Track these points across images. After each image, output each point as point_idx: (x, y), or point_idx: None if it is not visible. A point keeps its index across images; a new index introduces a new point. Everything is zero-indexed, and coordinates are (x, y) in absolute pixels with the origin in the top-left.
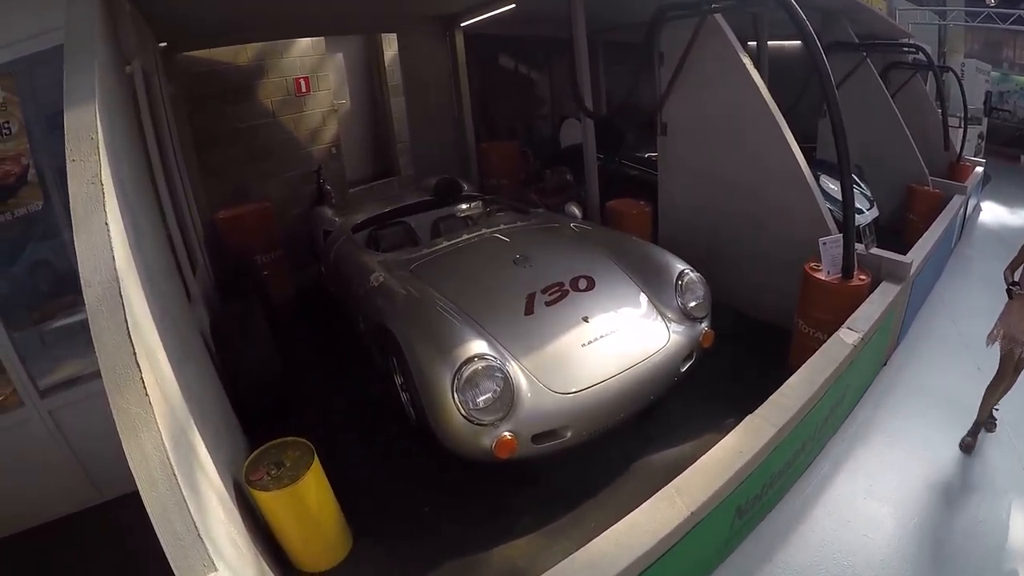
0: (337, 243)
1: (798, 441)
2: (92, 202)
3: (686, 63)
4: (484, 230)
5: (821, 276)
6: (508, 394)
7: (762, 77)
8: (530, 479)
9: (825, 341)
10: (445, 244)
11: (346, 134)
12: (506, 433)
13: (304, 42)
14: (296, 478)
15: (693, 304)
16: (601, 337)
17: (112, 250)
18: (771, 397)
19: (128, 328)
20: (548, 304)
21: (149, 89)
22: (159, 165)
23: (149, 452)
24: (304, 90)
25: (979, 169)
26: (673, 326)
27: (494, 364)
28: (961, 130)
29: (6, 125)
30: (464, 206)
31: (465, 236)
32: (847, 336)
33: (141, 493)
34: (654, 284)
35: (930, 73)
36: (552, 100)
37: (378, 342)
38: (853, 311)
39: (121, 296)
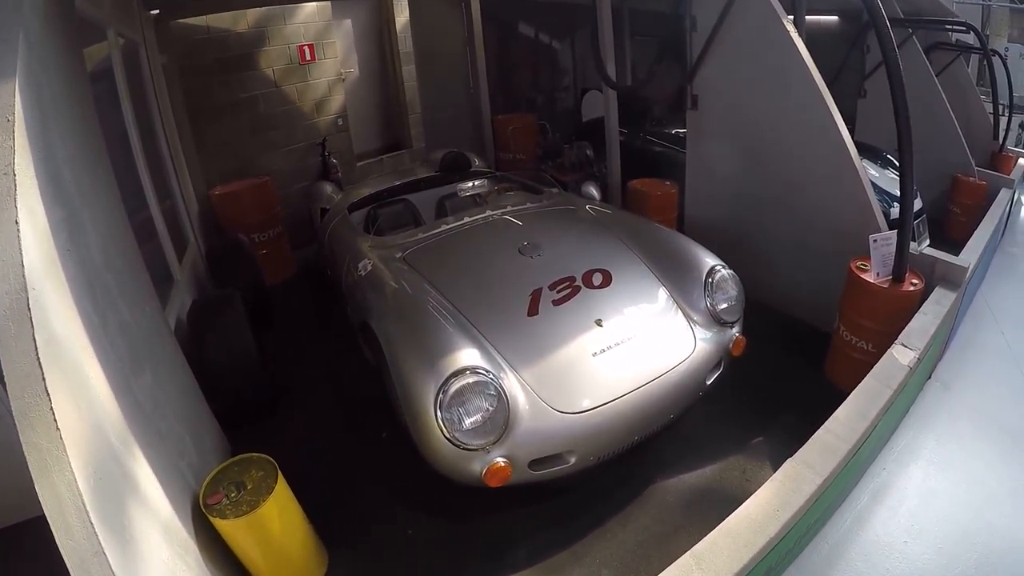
0: (332, 222)
1: (844, 485)
2: (3, 197)
3: (721, 29)
4: (490, 212)
5: (869, 278)
6: (502, 414)
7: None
8: (526, 500)
9: (868, 351)
10: (444, 227)
11: (354, 104)
12: (499, 459)
13: (308, 7)
14: (256, 504)
15: (724, 306)
16: (616, 345)
17: (22, 253)
18: (815, 435)
19: (37, 350)
20: (556, 303)
21: (135, 59)
22: (138, 142)
23: (63, 494)
24: (308, 58)
25: (1023, 161)
26: (700, 331)
27: (486, 379)
28: (1005, 119)
29: None
30: (470, 183)
31: (468, 218)
32: (902, 355)
33: (56, 540)
34: (679, 281)
35: (974, 56)
36: (574, 71)
37: (365, 339)
38: (902, 320)
39: (30, 310)
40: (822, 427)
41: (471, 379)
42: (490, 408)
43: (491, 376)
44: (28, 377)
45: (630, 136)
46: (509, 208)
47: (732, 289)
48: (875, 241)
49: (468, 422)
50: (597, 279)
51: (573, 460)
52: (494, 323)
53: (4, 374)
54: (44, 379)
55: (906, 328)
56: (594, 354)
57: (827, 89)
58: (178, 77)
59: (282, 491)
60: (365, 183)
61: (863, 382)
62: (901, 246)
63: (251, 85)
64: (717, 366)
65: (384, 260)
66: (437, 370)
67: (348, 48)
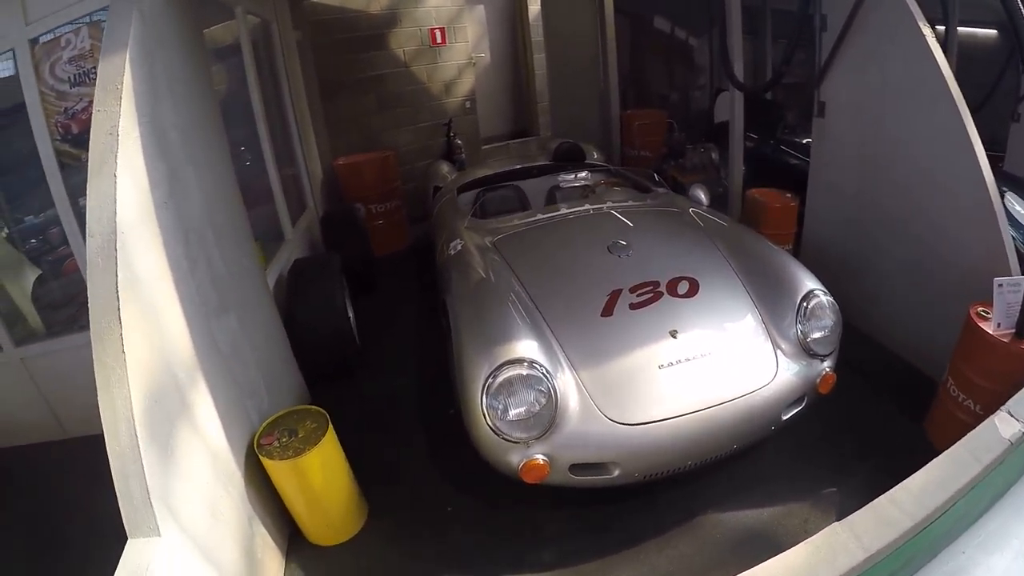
0: (441, 201)
1: (903, 563)
2: (106, 153)
3: (851, 31)
4: (589, 205)
5: (988, 328)
6: (549, 412)
7: (950, 65)
8: (571, 499)
9: (976, 413)
10: (540, 217)
11: (483, 89)
12: (539, 456)
13: None
14: (302, 451)
15: (817, 336)
16: (687, 360)
17: (116, 203)
18: (875, 502)
19: (118, 282)
20: (633, 307)
21: (267, 36)
22: (261, 112)
23: (118, 407)
24: (439, 41)
25: None
26: (785, 360)
27: (538, 374)
28: None
29: (93, 70)
30: (572, 175)
31: (565, 210)
32: (1006, 425)
33: (107, 444)
34: (772, 302)
35: None
36: (711, 70)
37: (443, 315)
38: (1020, 384)
39: (116, 251)
40: (886, 495)
41: (523, 371)
42: (537, 405)
43: (544, 371)
44: (106, 306)
45: (760, 143)
46: (610, 203)
47: (828, 319)
48: (1000, 286)
49: (512, 413)
50: (683, 288)
51: (617, 473)
52: (565, 319)
53: (89, 298)
54: (119, 309)
55: (1019, 394)
56: (661, 366)
57: (967, 108)
58: (311, 53)
59: (329, 444)
60: (482, 166)
61: (950, 450)
62: None
63: (380, 64)
64: (798, 401)
65: (475, 242)
66: (492, 356)
67: (480, 33)
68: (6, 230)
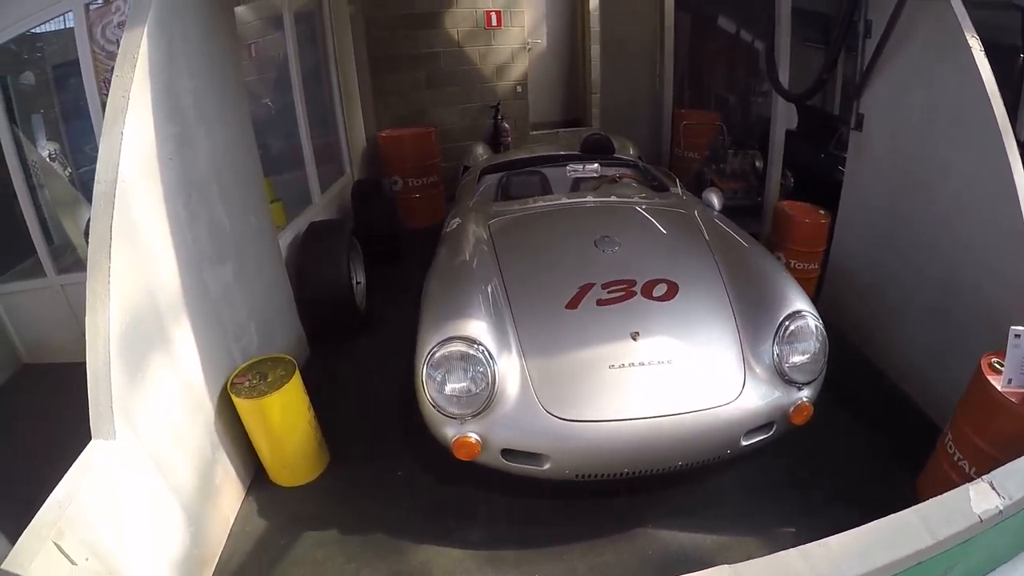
0: (464, 180)
1: None
2: (118, 114)
3: (892, 38)
4: (593, 197)
5: (998, 383)
6: (485, 393)
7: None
8: (513, 489)
9: (970, 476)
10: (541, 203)
11: (537, 75)
12: (472, 435)
13: None
14: (266, 393)
15: (796, 361)
16: (642, 364)
17: (120, 155)
18: (781, 554)
19: (112, 224)
20: (601, 303)
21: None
22: (299, 82)
23: (100, 327)
24: (495, 24)
25: None
26: (754, 381)
27: (479, 355)
28: None
29: None
30: (580, 165)
31: (567, 200)
32: (981, 499)
33: (87, 359)
34: (754, 317)
35: None
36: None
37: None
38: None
39: (115, 197)
40: (799, 548)
41: (465, 349)
42: (474, 384)
43: (486, 353)
44: (101, 242)
45: (811, 154)
46: (615, 197)
47: (811, 344)
48: (1017, 336)
49: (449, 388)
50: (660, 290)
51: (548, 466)
52: (529, 306)
53: (89, 238)
54: (111, 246)
55: (1011, 464)
56: (612, 366)
57: (1012, 135)
58: (363, 27)
59: (293, 390)
60: (518, 150)
61: (902, 512)
62: None
63: (433, 42)
64: (765, 428)
65: (472, 222)
66: (440, 329)
67: (538, 20)
68: (70, 170)
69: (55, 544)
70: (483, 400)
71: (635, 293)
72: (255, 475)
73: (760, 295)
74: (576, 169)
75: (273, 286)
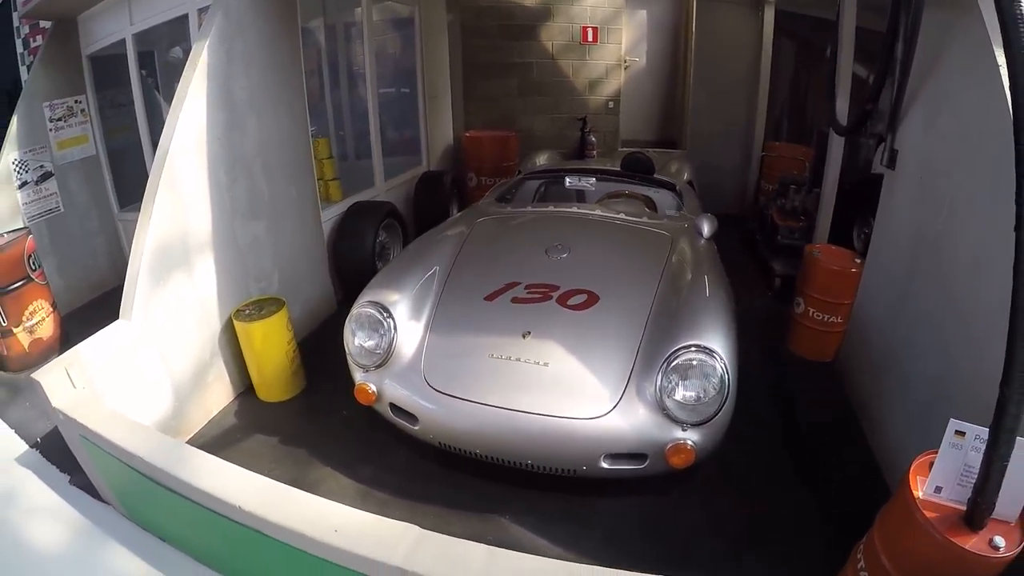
0: (508, 182)
1: None
2: (178, 104)
3: (917, 59)
4: (578, 208)
5: (919, 491)
6: (382, 352)
7: None
8: (418, 446)
9: None
10: (529, 209)
11: (632, 92)
12: (370, 385)
13: None
14: (253, 320)
15: (678, 398)
16: (518, 360)
17: (174, 134)
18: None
19: (160, 178)
20: (516, 300)
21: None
22: (372, 84)
23: (140, 246)
24: (590, 39)
25: None
26: (629, 406)
27: (382, 320)
28: None
29: None
30: (578, 178)
31: (551, 208)
32: None
33: (128, 268)
34: (656, 343)
35: None
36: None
37: None
38: None
39: (165, 161)
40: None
41: (375, 312)
42: (374, 345)
43: (389, 319)
44: (152, 191)
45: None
46: (599, 212)
47: (702, 384)
48: (960, 435)
49: (357, 341)
50: (577, 299)
51: (418, 427)
52: (457, 292)
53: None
54: (156, 195)
55: None
56: (492, 356)
57: None
58: (460, 35)
59: (275, 323)
60: (568, 164)
61: None
62: (989, 465)
63: (527, 53)
64: (636, 458)
65: (471, 215)
66: (367, 293)
67: (638, 38)
68: None
69: (66, 370)
70: (381, 357)
71: (551, 297)
72: (246, 388)
73: (673, 323)
74: (573, 181)
75: (307, 247)
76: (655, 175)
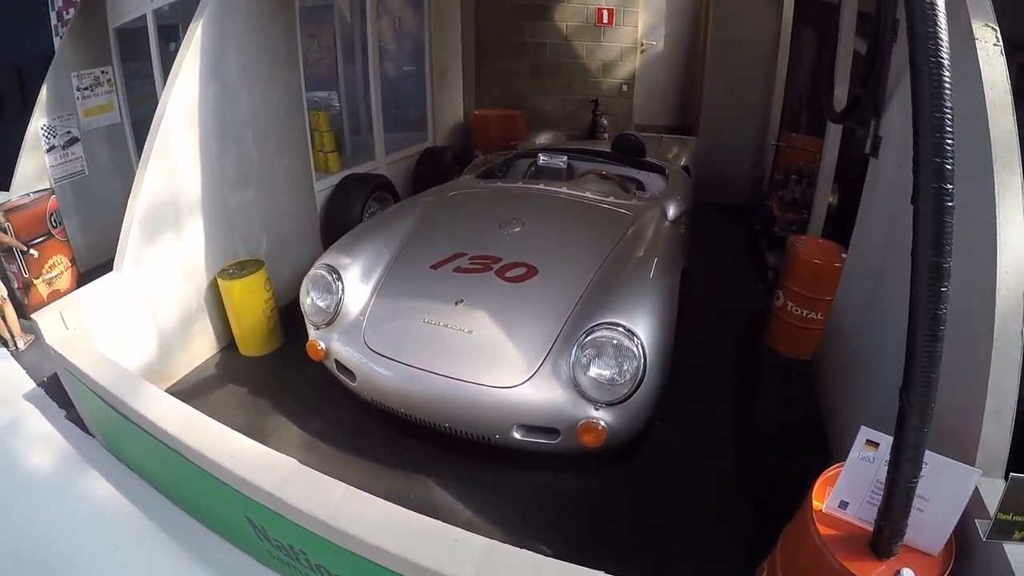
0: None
1: None
2: (173, 78)
3: (898, 39)
4: (544, 185)
5: (823, 504)
6: (330, 313)
7: None
8: (367, 406)
9: None
10: (499, 185)
11: (648, 76)
12: (319, 341)
13: None
14: (234, 278)
15: (592, 375)
16: (446, 327)
17: (168, 106)
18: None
19: (154, 145)
20: (457, 270)
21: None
22: (374, 62)
23: (134, 206)
24: (605, 21)
25: None
26: (544, 380)
27: (332, 282)
28: None
29: None
30: (551, 157)
31: (521, 185)
32: None
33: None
34: (578, 320)
35: None
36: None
37: None
38: None
39: (159, 129)
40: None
41: (326, 274)
42: (323, 304)
43: (338, 282)
44: (146, 156)
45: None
46: (566, 189)
47: (613, 365)
48: (872, 446)
49: (309, 299)
50: (516, 272)
51: (355, 384)
52: (408, 260)
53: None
54: (150, 159)
55: None
56: (425, 321)
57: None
58: (472, 14)
59: (253, 282)
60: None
61: None
62: (892, 484)
63: (540, 33)
64: (548, 432)
65: (447, 189)
66: (324, 256)
67: (656, 22)
68: None
69: (60, 313)
70: (329, 316)
71: (491, 269)
72: (229, 343)
73: (602, 300)
74: (546, 160)
75: (298, 214)
76: (646, 158)
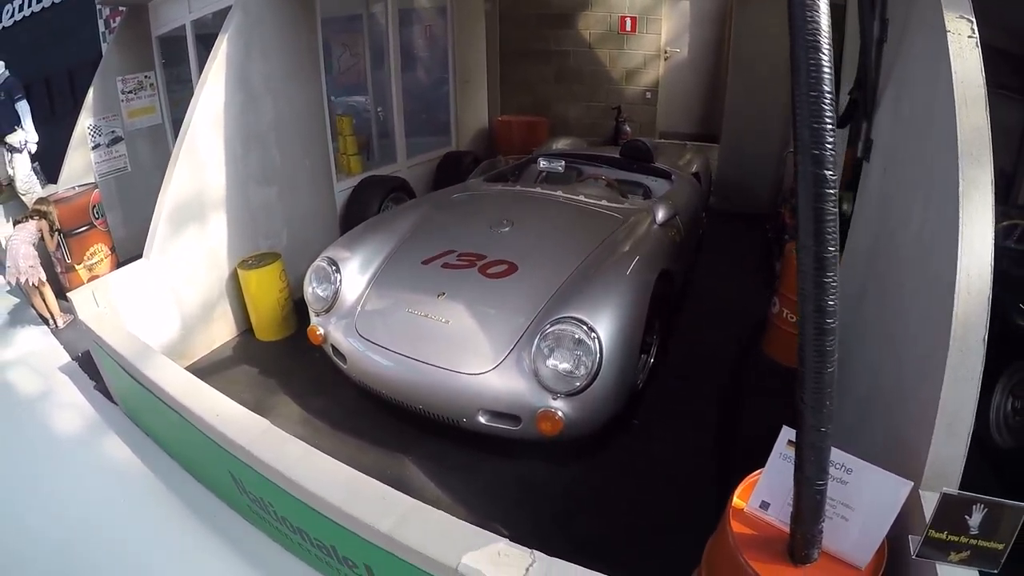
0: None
1: None
2: (201, 86)
3: (888, 38)
4: (543, 189)
5: (746, 504)
6: (328, 301)
7: None
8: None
9: None
10: (499, 188)
11: (671, 84)
12: (319, 327)
13: None
14: (252, 268)
15: (551, 366)
16: (427, 317)
17: (195, 112)
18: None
19: (182, 148)
20: (445, 266)
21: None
22: (395, 70)
23: (162, 202)
24: (628, 29)
25: None
26: (508, 369)
27: (331, 272)
28: None
29: None
30: (549, 162)
31: (519, 188)
32: None
33: (153, 217)
34: (546, 315)
35: None
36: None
37: None
38: None
39: (186, 134)
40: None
41: (326, 266)
42: (322, 293)
43: (336, 273)
44: (175, 157)
45: None
46: (561, 194)
47: (569, 358)
48: (790, 445)
49: (311, 288)
50: (497, 269)
51: (346, 366)
52: (404, 255)
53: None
54: (178, 159)
55: None
56: (409, 311)
57: (990, 185)
58: (498, 23)
59: (269, 273)
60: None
61: None
62: (799, 487)
63: (564, 41)
64: (510, 419)
65: (448, 192)
66: (330, 249)
67: (680, 29)
68: None
69: (92, 292)
70: (327, 304)
71: (475, 265)
72: (247, 328)
73: (570, 296)
74: (545, 165)
75: (318, 212)
76: (654, 164)
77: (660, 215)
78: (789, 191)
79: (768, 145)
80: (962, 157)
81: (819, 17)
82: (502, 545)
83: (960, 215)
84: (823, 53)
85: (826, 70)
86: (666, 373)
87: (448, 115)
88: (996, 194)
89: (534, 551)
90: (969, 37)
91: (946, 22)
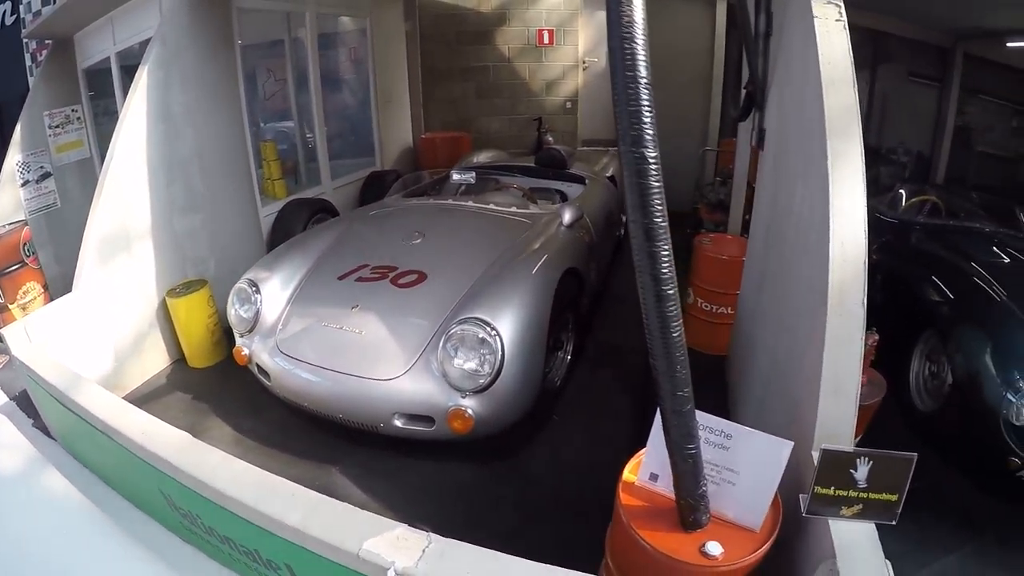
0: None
1: None
2: (122, 118)
3: (774, 28)
4: (453, 200)
5: (636, 481)
6: (250, 322)
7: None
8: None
9: None
10: (413, 202)
11: (591, 93)
12: (244, 347)
13: None
14: (180, 296)
15: (457, 366)
16: (341, 328)
17: (117, 143)
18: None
19: (105, 179)
20: (359, 280)
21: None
22: (316, 92)
23: (88, 234)
24: (546, 42)
25: None
26: (418, 373)
27: (251, 293)
28: None
29: None
30: (460, 175)
31: (431, 201)
32: None
33: (80, 250)
34: (452, 319)
35: None
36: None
37: None
38: None
39: (110, 165)
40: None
41: (246, 287)
42: (244, 314)
43: (255, 293)
44: (99, 188)
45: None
46: (471, 202)
47: (473, 356)
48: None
49: (234, 310)
50: (408, 279)
51: (270, 383)
52: (321, 272)
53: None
54: (103, 192)
55: None
56: (325, 325)
57: (861, 167)
58: (418, 42)
59: (197, 300)
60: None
61: None
62: (672, 454)
63: (484, 56)
64: (425, 420)
65: (366, 209)
66: (251, 271)
67: (597, 39)
68: None
69: (24, 328)
70: (249, 324)
71: (387, 277)
72: (180, 356)
73: (475, 298)
74: (457, 177)
75: (244, 237)
76: (568, 170)
77: (567, 217)
78: (705, 187)
79: (687, 146)
80: (829, 133)
81: (633, 12)
82: (400, 530)
83: (830, 187)
84: (636, 43)
85: (641, 58)
86: (585, 369)
87: (372, 136)
88: (914, 174)
89: (431, 534)
90: (836, 21)
91: (813, 8)
